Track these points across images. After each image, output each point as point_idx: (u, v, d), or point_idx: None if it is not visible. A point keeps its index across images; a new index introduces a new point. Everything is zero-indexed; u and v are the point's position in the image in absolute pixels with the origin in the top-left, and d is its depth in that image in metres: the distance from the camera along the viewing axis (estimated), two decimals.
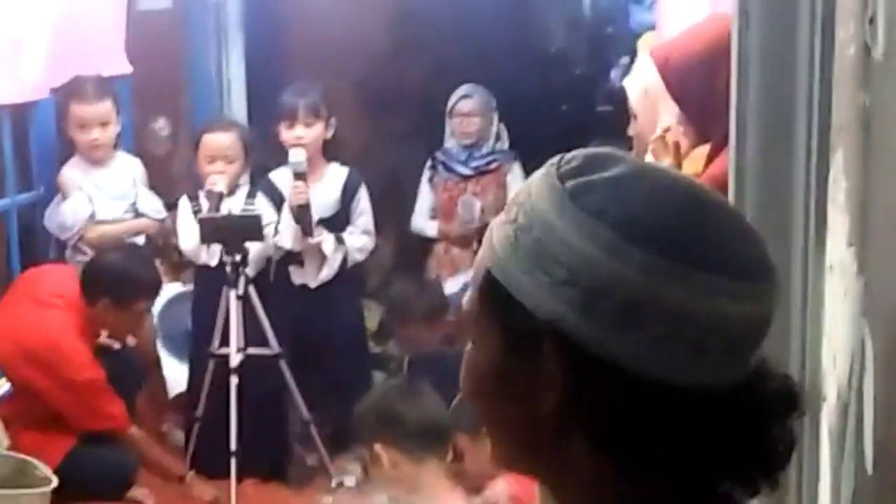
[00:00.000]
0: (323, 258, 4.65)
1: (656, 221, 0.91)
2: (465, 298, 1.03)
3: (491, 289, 0.98)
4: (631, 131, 3.07)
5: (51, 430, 4.14)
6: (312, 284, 4.68)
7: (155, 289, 4.43)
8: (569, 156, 0.98)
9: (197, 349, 4.60)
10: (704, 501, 0.95)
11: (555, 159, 0.99)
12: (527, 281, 0.94)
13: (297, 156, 4.52)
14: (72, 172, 4.65)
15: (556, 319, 0.92)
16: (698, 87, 2.38)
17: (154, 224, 4.82)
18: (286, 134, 4.61)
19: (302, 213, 4.53)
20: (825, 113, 1.66)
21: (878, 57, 1.26)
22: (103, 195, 4.66)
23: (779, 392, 0.95)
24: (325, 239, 4.63)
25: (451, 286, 5.16)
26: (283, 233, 4.58)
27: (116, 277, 4.26)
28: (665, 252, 0.90)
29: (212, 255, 4.55)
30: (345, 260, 4.70)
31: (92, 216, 4.61)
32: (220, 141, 4.58)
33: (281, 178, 4.67)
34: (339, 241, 4.67)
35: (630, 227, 0.91)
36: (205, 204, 4.53)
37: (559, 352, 0.93)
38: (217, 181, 4.47)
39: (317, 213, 4.61)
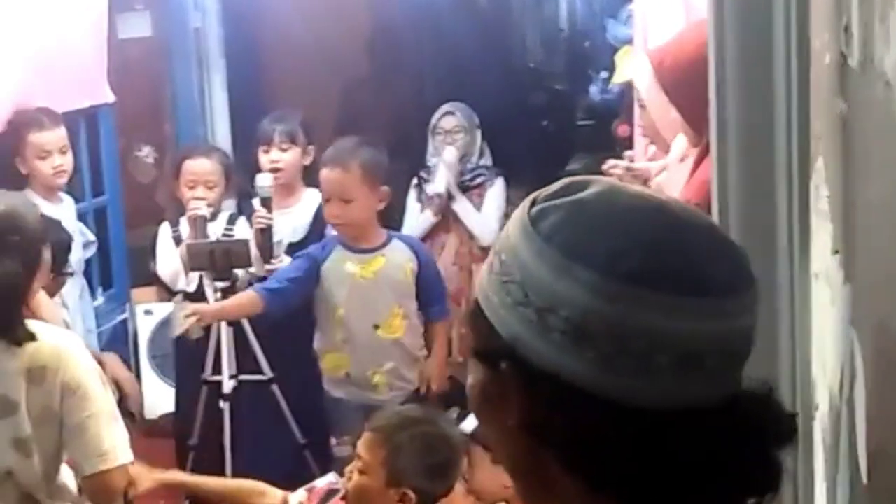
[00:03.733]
0: None
1: (605, 242, 0.92)
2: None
3: (473, 311, 1.00)
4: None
5: None
6: None
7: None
8: (554, 184, 1.00)
9: (182, 376, 4.57)
10: None
11: (543, 188, 1.00)
12: (495, 302, 0.96)
13: (263, 181, 4.49)
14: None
15: (514, 338, 0.94)
16: (693, 88, 2.38)
17: None
18: (262, 158, 4.65)
19: (263, 238, 4.47)
20: (804, 121, 1.66)
21: (853, 65, 1.26)
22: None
23: (762, 416, 0.94)
24: (284, 262, 4.51)
25: None
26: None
27: None
28: (609, 271, 0.90)
29: (190, 282, 4.52)
30: None
31: None
32: (200, 166, 4.57)
33: None
34: None
35: (575, 248, 0.92)
36: (185, 230, 4.50)
37: (516, 370, 0.94)
38: (199, 206, 4.44)
39: (288, 237, 4.59)
